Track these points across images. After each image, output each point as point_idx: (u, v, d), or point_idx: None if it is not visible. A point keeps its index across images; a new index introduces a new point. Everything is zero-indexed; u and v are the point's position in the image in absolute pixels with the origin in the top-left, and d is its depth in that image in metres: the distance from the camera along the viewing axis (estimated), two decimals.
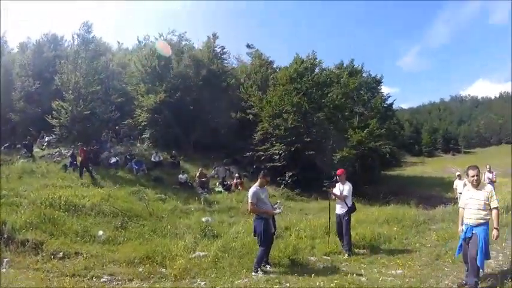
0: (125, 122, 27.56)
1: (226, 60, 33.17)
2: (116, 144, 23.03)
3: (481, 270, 5.88)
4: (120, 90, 28.91)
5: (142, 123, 26.24)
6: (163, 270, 7.07)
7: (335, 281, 6.20)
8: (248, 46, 37.11)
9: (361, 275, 6.88)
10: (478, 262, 5.66)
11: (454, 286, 6.17)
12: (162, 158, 21.78)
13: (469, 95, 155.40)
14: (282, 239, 9.11)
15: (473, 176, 5.91)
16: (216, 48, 31.14)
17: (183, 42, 31.62)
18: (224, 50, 32.16)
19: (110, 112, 24.14)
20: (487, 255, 5.85)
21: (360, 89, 33.76)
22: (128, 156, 20.40)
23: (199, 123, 25.93)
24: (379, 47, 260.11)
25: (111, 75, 29.82)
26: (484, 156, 70.75)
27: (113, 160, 19.65)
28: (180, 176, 19.14)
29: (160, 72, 26.39)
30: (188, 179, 19.18)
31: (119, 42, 37.33)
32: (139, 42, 33.00)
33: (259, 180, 7.43)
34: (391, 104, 41.47)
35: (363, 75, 37.03)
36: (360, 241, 9.29)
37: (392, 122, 39.40)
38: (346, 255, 8.36)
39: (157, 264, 7.30)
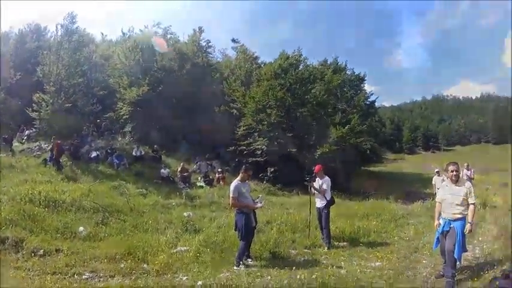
0: (107, 115, 27.10)
1: (211, 54, 32.98)
2: (97, 138, 22.61)
3: (458, 263, 6.17)
4: (102, 83, 28.34)
5: (124, 117, 25.78)
6: (145, 265, 7.08)
7: (315, 274, 6.36)
8: (233, 40, 36.93)
9: (340, 267, 7.15)
10: (455, 254, 5.93)
11: (431, 278, 6.43)
12: (143, 152, 21.52)
13: (451, 95, 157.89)
14: (263, 233, 9.29)
15: (452, 171, 6.16)
16: (201, 42, 30.95)
17: (168, 35, 31.30)
18: (209, 44, 31.94)
19: (91, 105, 23.74)
20: (464, 248, 6.13)
21: (344, 86, 33.89)
22: (108, 151, 20.09)
23: (182, 117, 25.75)
24: (363, 45, 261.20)
25: (94, 67, 29.20)
26: (463, 154, 72.47)
27: (94, 154, 19.30)
28: (162, 170, 19.08)
29: (144, 65, 26.02)
30: (170, 174, 19.12)
31: (102, 34, 36.73)
32: (123, 34, 32.60)
33: (240, 174, 7.57)
34: (374, 101, 41.93)
35: (347, 72, 37.28)
36: (340, 234, 9.58)
37: (374, 119, 39.82)
38: (326, 248, 8.62)
39: (139, 259, 7.29)
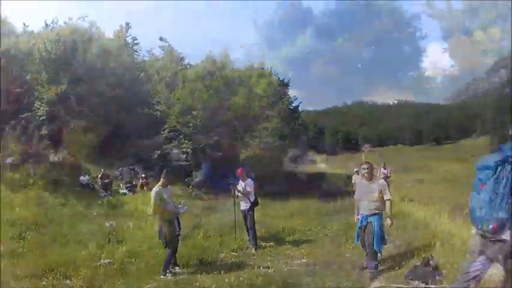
0: (23, 116, 25.15)
1: (137, 52, 32.22)
2: (12, 142, 21.04)
3: (379, 254, 6.79)
4: (20, 79, 26.22)
5: (41, 118, 23.94)
6: (68, 281, 6.83)
7: (243, 276, 6.68)
8: (161, 39, 36.13)
9: (268, 267, 7.56)
10: (375, 247, 6.55)
11: (355, 270, 6.97)
12: (61, 158, 20.45)
13: (370, 101, 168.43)
14: (190, 238, 9.43)
15: (364, 169, 6.87)
16: (127, 38, 30.03)
17: (93, 29, 29.82)
18: (136, 41, 31.28)
19: (6, 104, 21.94)
20: (383, 241, 6.77)
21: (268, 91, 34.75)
22: (24, 156, 18.90)
23: (103, 118, 24.73)
24: (288, 50, 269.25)
25: (12, 61, 26.94)
26: (380, 154, 77.43)
27: (8, 160, 17.98)
28: (81, 177, 18.27)
29: (65, 60, 24.56)
30: (90, 181, 18.40)
31: (24, 24, 33.61)
32: (46, 25, 30.36)
33: (161, 179, 7.62)
34: (297, 106, 43.53)
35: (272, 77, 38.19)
36: (266, 235, 10.07)
37: (297, 123, 41.24)
38: (253, 249, 9.02)
39: (61, 275, 7.00)
